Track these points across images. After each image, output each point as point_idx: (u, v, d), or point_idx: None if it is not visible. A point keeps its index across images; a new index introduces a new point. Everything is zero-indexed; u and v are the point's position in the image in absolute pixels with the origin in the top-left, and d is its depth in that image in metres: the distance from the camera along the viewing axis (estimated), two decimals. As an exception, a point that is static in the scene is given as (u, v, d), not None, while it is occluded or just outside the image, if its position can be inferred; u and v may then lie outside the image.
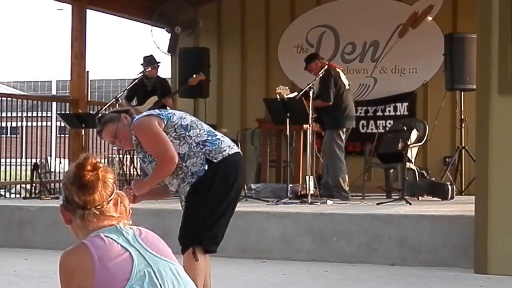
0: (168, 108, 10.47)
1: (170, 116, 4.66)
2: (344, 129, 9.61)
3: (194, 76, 10.43)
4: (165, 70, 11.04)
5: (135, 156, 13.09)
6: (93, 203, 2.68)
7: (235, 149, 4.73)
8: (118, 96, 10.35)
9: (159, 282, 2.57)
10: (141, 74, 10.45)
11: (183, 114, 4.75)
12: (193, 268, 4.49)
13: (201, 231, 4.62)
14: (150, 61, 10.53)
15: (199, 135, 4.65)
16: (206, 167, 4.59)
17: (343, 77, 9.68)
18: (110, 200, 2.72)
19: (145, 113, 4.74)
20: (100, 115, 5.01)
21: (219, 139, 4.70)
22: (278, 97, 9.09)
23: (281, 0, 12.47)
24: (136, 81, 10.48)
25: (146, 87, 10.54)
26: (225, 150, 4.65)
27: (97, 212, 2.69)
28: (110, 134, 4.72)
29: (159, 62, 10.68)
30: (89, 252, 2.56)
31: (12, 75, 75.45)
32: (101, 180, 2.70)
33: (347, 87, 9.68)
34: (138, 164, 12.99)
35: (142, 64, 10.52)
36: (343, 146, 9.62)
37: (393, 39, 11.78)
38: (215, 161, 4.61)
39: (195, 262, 4.55)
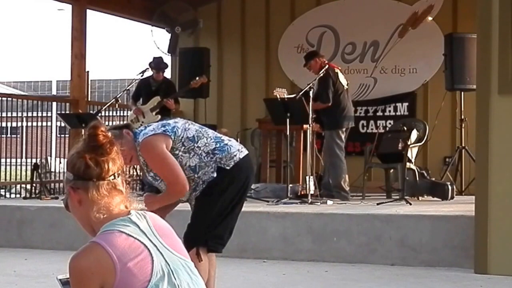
0: (171, 110, 10.45)
1: (175, 131, 4.58)
2: (344, 129, 9.62)
3: (197, 78, 10.38)
4: (165, 70, 11.06)
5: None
6: (108, 172, 2.58)
7: (244, 151, 4.74)
8: (118, 96, 10.34)
9: (177, 283, 2.51)
10: (141, 73, 10.40)
11: (186, 124, 4.68)
12: (197, 268, 4.47)
13: (206, 231, 4.63)
14: (157, 63, 10.49)
15: (207, 144, 4.62)
16: (215, 174, 4.59)
17: (341, 77, 9.68)
18: (120, 172, 2.63)
19: (150, 132, 4.58)
20: None
21: (226, 144, 4.68)
22: (278, 97, 9.09)
23: (281, 0, 12.47)
24: (140, 80, 10.43)
25: (151, 87, 10.49)
26: (235, 155, 4.65)
27: (110, 184, 2.59)
28: None
29: (166, 66, 10.65)
30: (106, 252, 2.42)
31: (12, 75, 75.52)
32: (114, 146, 2.62)
33: (345, 87, 9.69)
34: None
35: (150, 63, 10.48)
36: (343, 146, 9.63)
37: (393, 39, 11.79)
38: (228, 168, 4.61)
39: (199, 262, 4.55)
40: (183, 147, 4.58)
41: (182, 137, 4.59)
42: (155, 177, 4.63)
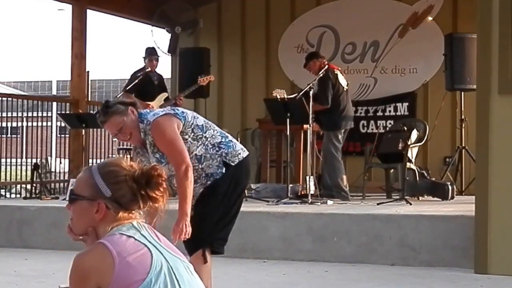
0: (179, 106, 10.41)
1: (185, 116, 4.59)
2: (342, 130, 9.61)
3: (204, 77, 10.43)
4: (165, 70, 11.07)
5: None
6: (144, 207, 2.73)
7: (246, 152, 4.77)
8: (118, 96, 10.30)
9: (176, 279, 2.58)
10: (141, 71, 10.30)
11: (194, 113, 4.71)
12: (201, 270, 4.43)
13: (212, 233, 4.62)
14: (151, 51, 10.53)
15: (213, 136, 4.63)
16: (224, 170, 4.59)
17: (341, 78, 9.67)
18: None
19: (161, 112, 4.60)
20: (105, 103, 4.70)
21: (231, 141, 4.71)
22: (278, 97, 9.08)
23: (281, 1, 12.47)
24: (139, 76, 10.34)
25: (153, 80, 10.40)
26: (239, 154, 4.67)
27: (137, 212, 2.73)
28: (115, 127, 4.55)
29: (158, 56, 10.63)
30: (107, 249, 2.54)
31: (12, 75, 75.54)
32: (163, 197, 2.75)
33: (345, 88, 9.68)
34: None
35: (143, 57, 10.49)
36: (341, 147, 9.62)
37: (393, 39, 11.78)
38: (232, 164, 4.61)
39: (204, 264, 4.53)
40: (192, 134, 4.58)
41: (192, 124, 4.59)
42: (160, 160, 4.53)
